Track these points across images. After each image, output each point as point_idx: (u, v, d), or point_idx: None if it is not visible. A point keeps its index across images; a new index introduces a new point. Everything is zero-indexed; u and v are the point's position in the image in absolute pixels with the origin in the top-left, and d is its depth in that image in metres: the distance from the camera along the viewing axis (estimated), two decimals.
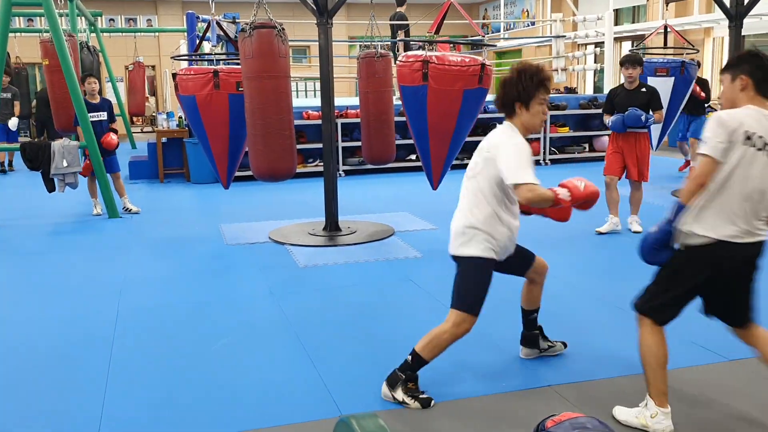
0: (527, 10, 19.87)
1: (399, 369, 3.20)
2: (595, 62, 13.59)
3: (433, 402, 3.16)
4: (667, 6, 9.06)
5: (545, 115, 3.15)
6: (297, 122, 9.15)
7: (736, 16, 7.86)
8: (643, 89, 6.36)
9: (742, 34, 8.77)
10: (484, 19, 21.73)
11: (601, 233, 6.47)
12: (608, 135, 6.90)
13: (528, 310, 3.60)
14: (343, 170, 10.69)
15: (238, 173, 8.00)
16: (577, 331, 3.97)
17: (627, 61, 6.38)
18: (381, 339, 3.98)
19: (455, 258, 3.19)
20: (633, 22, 16.43)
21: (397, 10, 11.59)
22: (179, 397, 3.30)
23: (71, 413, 3.16)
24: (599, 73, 16.08)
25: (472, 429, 2.98)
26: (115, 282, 5.20)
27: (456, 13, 6.85)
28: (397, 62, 6.23)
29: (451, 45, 8.54)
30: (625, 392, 3.22)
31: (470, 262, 3.13)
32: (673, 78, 8.36)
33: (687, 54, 9.02)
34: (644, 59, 8.67)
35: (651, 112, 6.21)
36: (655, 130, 8.82)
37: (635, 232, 6.45)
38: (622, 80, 6.49)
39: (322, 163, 7.80)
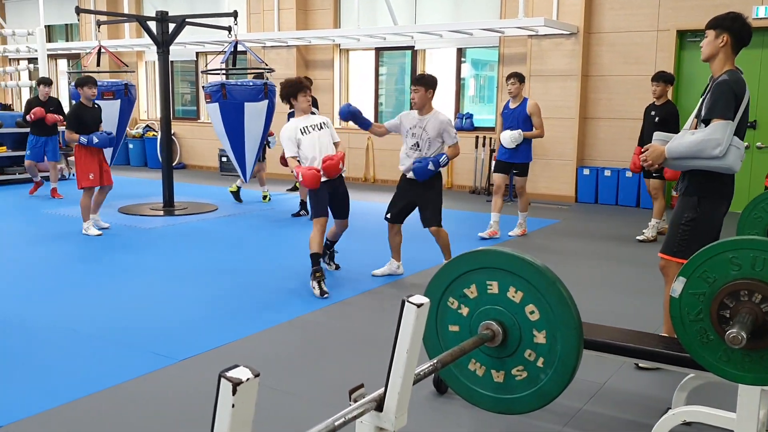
0: None
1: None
2: (30, 78, 13.14)
3: (326, 295, 4.93)
4: (99, 28, 9.41)
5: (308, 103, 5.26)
6: None
7: (163, 43, 8.71)
8: None
9: (171, 59, 9.75)
10: None
11: None
12: None
13: (329, 240, 5.60)
14: None
15: None
16: None
17: None
18: None
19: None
20: (67, 40, 16.33)
21: None
22: None
23: None
24: (35, 90, 15.58)
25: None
26: None
27: None
28: None
29: None
30: None
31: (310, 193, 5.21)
32: (119, 101, 8.84)
33: (125, 75, 9.61)
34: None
35: None
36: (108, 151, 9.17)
37: None
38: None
39: None
